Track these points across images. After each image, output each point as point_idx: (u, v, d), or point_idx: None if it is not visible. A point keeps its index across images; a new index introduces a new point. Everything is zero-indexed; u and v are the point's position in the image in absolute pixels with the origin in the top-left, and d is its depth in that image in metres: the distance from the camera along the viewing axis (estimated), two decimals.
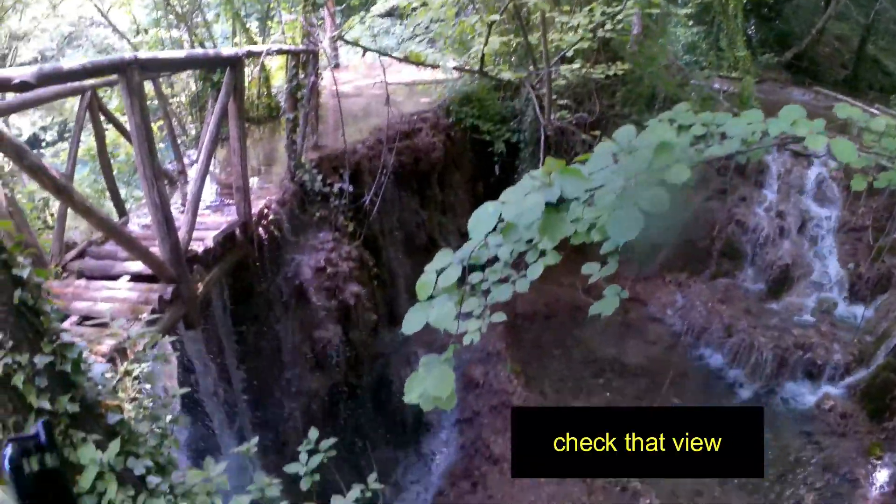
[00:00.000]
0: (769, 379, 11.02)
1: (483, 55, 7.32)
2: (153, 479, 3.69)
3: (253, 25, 14.54)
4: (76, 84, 7.05)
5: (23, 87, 4.91)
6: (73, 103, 10.59)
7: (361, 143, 10.11)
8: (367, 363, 9.41)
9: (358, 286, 8.79)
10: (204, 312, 8.22)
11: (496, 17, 8.32)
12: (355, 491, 4.27)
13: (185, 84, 11.37)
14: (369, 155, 10.02)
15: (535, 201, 2.50)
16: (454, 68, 9.25)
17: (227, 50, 7.22)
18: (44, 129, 18.73)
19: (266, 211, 8.06)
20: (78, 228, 7.86)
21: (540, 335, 10.94)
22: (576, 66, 11.48)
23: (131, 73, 5.40)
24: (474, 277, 3.81)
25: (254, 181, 8.77)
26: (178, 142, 9.48)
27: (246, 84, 12.78)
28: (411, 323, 3.02)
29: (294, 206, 8.62)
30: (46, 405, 3.44)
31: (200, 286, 6.57)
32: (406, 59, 7.51)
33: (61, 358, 3.64)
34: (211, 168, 9.97)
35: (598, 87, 12.40)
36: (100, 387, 3.95)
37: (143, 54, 5.66)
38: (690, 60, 16.35)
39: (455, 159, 12.15)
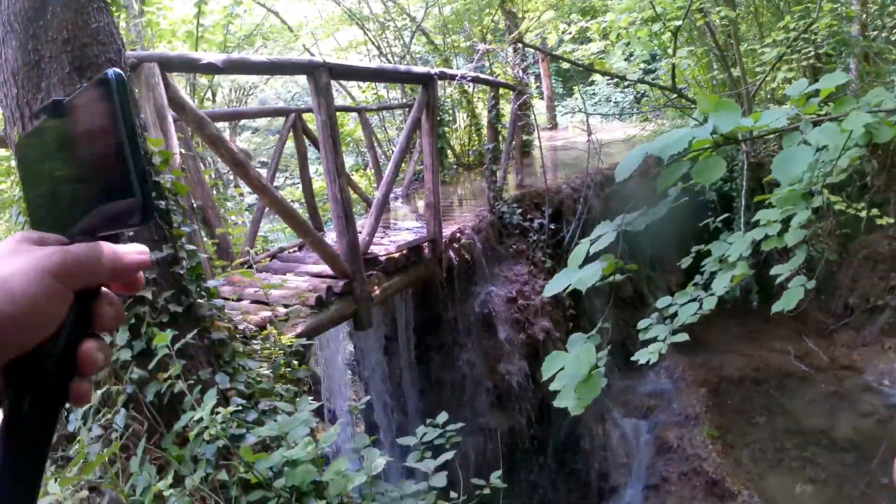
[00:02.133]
0: None
1: (674, 67, 6.88)
2: (237, 400, 3.64)
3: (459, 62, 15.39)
4: (284, 107, 7.48)
5: (209, 68, 5.27)
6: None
7: (566, 184, 9.99)
8: (554, 413, 8.89)
9: (549, 322, 8.42)
10: (390, 336, 8.25)
11: (679, 22, 7.85)
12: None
13: (397, 122, 11.99)
14: (573, 196, 9.81)
15: (681, 135, 2.32)
16: (639, 81, 8.88)
17: (419, 68, 7.42)
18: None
19: (459, 235, 8.00)
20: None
21: (744, 401, 9.93)
22: (786, 106, 10.65)
23: (319, 74, 5.63)
24: (662, 302, 3.61)
25: (453, 210, 8.84)
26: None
27: (460, 129, 13.45)
28: (553, 286, 2.86)
29: (490, 236, 8.52)
30: (148, 295, 3.50)
31: (377, 290, 6.55)
32: (590, 68, 7.29)
33: (176, 261, 3.72)
34: (413, 202, 10.26)
35: None
36: (215, 310, 3.99)
37: (332, 60, 5.90)
38: None
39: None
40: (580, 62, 8.67)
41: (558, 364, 2.67)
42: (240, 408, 3.55)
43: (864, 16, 10.26)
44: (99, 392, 3.46)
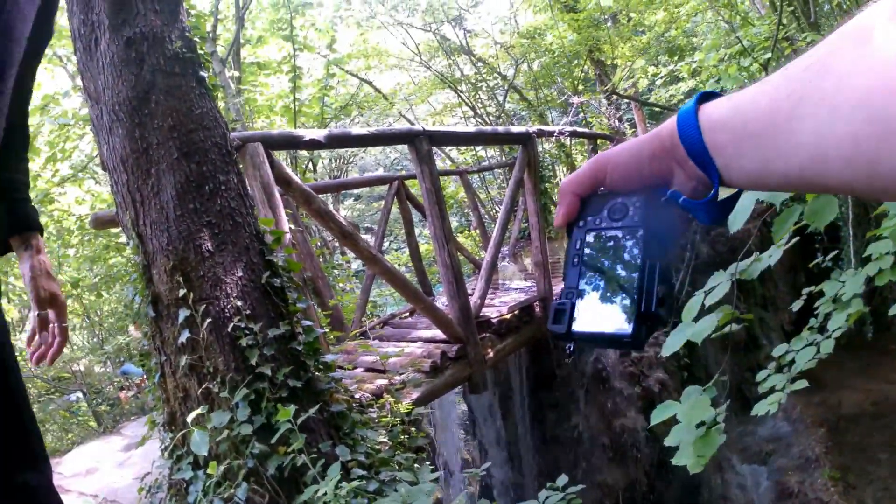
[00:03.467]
0: None
1: None
2: (357, 471, 3.63)
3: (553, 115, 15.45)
4: (386, 175, 7.59)
5: (313, 144, 5.41)
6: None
7: None
8: (671, 465, 8.56)
9: (664, 374, 8.20)
10: (504, 394, 8.16)
11: (768, 54, 7.62)
12: None
13: (498, 182, 12.06)
14: (681, 242, 9.60)
15: None
16: None
17: (517, 128, 7.45)
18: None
19: None
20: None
21: (865, 438, 9.31)
22: None
23: (420, 142, 5.71)
24: (777, 350, 3.51)
25: (560, 266, 8.76)
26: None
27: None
28: (670, 345, 2.83)
29: None
30: (267, 371, 3.55)
31: (491, 352, 6.50)
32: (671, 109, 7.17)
33: (294, 337, 3.77)
34: (521, 260, 10.21)
35: None
36: (333, 383, 4.02)
37: (431, 127, 5.98)
38: None
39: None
40: (673, 107, 8.55)
41: (669, 412, 2.62)
42: (362, 480, 3.54)
43: None
44: (220, 466, 3.51)
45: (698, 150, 0.71)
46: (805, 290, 4.00)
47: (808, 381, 3.20)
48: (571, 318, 0.75)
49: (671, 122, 0.74)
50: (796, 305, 4.05)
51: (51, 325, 1.69)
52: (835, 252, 6.83)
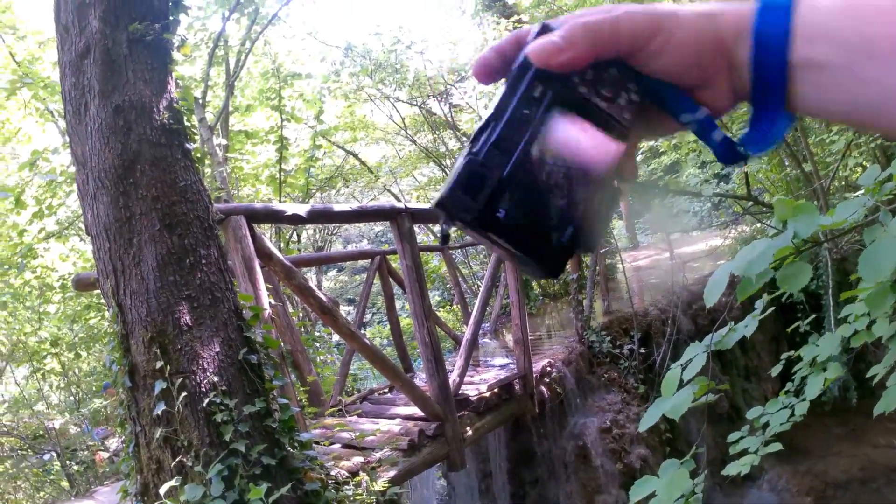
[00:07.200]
0: None
1: (746, 176, 6.77)
2: None
3: None
4: (368, 249, 7.60)
5: (295, 219, 5.44)
6: None
7: (653, 306, 9.88)
8: None
9: (646, 450, 8.14)
10: (484, 471, 8.06)
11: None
12: None
13: (480, 257, 12.12)
14: (661, 318, 9.67)
15: (762, 248, 2.22)
16: (714, 195, 8.75)
17: None
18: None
19: (549, 369, 7.90)
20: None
21: None
22: (860, 192, 10.30)
23: (402, 219, 5.75)
24: (752, 413, 3.53)
25: (542, 342, 8.77)
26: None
27: None
28: (647, 420, 2.82)
29: (581, 367, 8.39)
30: (241, 448, 3.51)
31: (470, 431, 6.44)
32: (666, 188, 7.25)
33: (269, 414, 3.74)
34: (502, 337, 10.19)
35: None
36: (307, 461, 3.97)
37: (413, 205, 6.03)
38: None
39: None
40: (655, 184, 8.71)
41: (648, 488, 2.57)
42: None
43: None
44: None
45: (775, 64, 0.52)
46: (784, 355, 4.01)
47: (794, 449, 3.19)
48: (493, 198, 0.54)
49: (739, 15, 0.54)
50: (775, 371, 4.05)
51: None
52: (813, 316, 6.87)
